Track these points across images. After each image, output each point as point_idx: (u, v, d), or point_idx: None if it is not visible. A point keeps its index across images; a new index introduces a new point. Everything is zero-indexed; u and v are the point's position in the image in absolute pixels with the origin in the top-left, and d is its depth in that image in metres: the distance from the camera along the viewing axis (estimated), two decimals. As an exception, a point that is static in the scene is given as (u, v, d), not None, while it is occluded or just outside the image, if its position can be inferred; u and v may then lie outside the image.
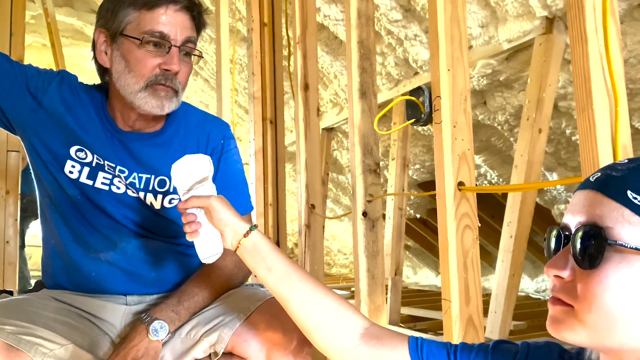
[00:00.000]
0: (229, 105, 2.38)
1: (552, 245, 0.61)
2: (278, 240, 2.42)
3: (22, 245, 3.92)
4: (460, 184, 1.25)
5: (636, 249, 0.53)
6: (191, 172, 0.97)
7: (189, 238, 0.94)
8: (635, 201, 0.53)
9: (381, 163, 4.15)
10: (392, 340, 0.79)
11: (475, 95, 3.18)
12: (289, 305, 0.87)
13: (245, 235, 0.91)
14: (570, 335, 0.56)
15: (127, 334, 1.03)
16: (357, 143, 1.70)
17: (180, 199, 0.97)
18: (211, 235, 0.94)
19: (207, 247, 0.95)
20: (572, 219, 0.58)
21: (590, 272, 0.54)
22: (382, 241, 1.71)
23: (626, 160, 0.59)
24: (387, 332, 0.82)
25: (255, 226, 0.93)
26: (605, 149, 0.92)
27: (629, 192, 0.54)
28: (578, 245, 0.55)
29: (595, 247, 0.54)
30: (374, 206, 1.70)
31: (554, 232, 0.61)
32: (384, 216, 3.70)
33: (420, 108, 1.39)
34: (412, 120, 1.41)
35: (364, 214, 1.68)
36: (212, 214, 0.92)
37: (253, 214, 2.34)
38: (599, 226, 0.54)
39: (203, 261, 0.96)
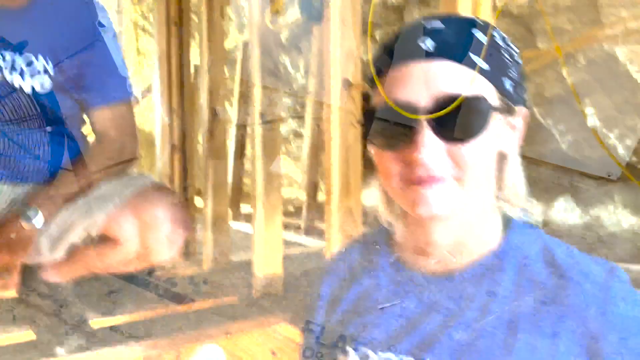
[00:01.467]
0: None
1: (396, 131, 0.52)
2: (184, 147, 2.38)
3: None
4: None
5: (496, 108, 0.52)
6: None
7: None
8: (478, 62, 0.51)
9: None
10: None
11: (393, 11, 3.17)
12: None
13: None
14: (446, 207, 0.52)
15: (0, 220, 1.01)
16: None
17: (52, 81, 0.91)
18: None
19: None
20: (421, 94, 0.50)
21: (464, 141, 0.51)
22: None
23: (438, 21, 0.53)
24: None
25: None
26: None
27: (471, 54, 0.51)
28: (459, 118, 0.49)
29: (478, 116, 0.50)
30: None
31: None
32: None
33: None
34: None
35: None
36: None
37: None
38: (474, 95, 0.50)
39: None
